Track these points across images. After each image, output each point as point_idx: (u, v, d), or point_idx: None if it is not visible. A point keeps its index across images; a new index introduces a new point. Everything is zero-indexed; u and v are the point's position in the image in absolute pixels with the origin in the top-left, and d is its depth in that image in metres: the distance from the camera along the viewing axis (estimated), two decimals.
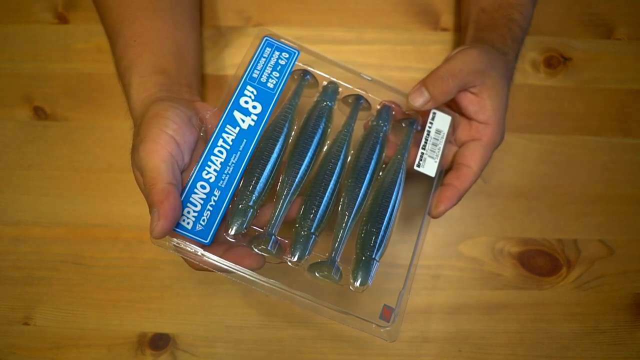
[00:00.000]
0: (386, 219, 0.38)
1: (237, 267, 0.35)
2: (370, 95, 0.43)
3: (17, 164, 0.50)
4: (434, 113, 0.42)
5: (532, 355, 0.48)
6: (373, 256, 0.37)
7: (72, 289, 0.48)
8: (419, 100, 0.40)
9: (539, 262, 0.49)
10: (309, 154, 0.39)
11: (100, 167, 0.50)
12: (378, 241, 0.38)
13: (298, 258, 0.36)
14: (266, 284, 0.35)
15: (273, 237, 0.36)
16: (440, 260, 0.49)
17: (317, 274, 0.36)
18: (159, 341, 0.47)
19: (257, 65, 0.40)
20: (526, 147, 0.51)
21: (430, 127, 0.42)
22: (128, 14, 0.43)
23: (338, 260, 0.37)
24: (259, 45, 0.41)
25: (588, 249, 0.50)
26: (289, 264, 0.36)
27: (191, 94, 0.42)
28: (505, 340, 0.48)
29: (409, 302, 0.48)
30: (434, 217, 0.41)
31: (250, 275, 0.35)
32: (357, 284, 0.37)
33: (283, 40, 0.42)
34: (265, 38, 0.41)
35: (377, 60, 0.53)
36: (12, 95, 0.51)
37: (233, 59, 0.52)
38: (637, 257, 0.50)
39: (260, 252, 0.36)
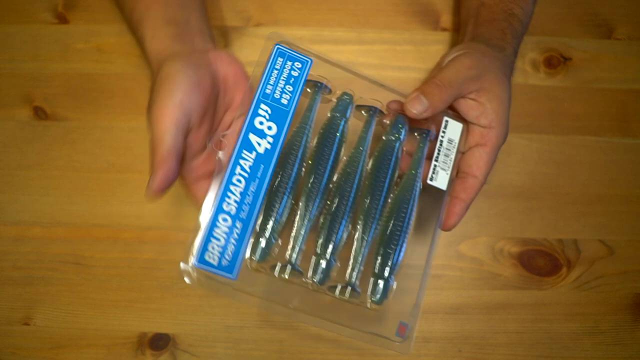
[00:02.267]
0: (401, 238, 0.39)
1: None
2: (382, 102, 0.42)
3: (17, 164, 0.50)
4: (447, 121, 0.42)
5: (532, 355, 0.48)
6: (389, 276, 0.39)
7: (72, 289, 0.48)
8: (417, 108, 0.39)
9: (539, 262, 0.49)
10: (325, 177, 0.39)
11: (100, 167, 0.50)
12: (394, 261, 0.39)
13: (319, 282, 0.38)
14: (288, 308, 0.37)
15: (294, 266, 0.37)
16: (440, 260, 0.49)
17: (338, 295, 0.38)
18: (159, 341, 0.47)
19: (269, 79, 0.38)
20: (526, 147, 0.51)
21: (442, 137, 0.41)
22: None
23: (357, 282, 0.39)
24: (271, 56, 0.39)
25: (588, 249, 0.50)
26: (310, 287, 0.38)
27: (204, 41, 0.42)
28: (505, 340, 0.48)
29: (408, 302, 0.48)
30: (446, 231, 0.41)
31: (270, 301, 0.37)
32: (376, 303, 0.39)
33: (295, 48, 0.40)
34: (277, 47, 0.39)
35: (377, 60, 0.53)
36: (12, 95, 0.51)
37: None
38: (637, 257, 0.50)
39: (282, 278, 0.37)
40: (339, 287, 0.38)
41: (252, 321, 0.48)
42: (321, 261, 0.38)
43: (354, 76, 0.42)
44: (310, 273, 0.38)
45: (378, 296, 0.38)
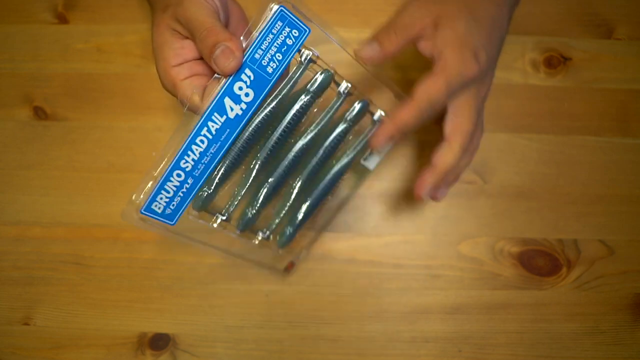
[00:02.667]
0: (317, 206, 0.44)
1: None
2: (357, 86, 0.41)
3: (17, 164, 0.50)
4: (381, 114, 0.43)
5: (532, 355, 0.48)
6: (296, 228, 0.44)
7: (72, 289, 0.48)
8: (368, 53, 0.38)
9: (539, 262, 0.49)
10: (271, 143, 0.40)
11: (100, 167, 0.50)
12: (304, 218, 0.44)
13: (240, 230, 0.41)
14: (211, 246, 0.42)
15: (225, 217, 0.41)
16: (440, 260, 0.49)
17: (251, 240, 0.43)
18: (159, 341, 0.47)
19: (262, 43, 0.36)
20: (526, 147, 0.51)
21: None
22: None
23: (269, 232, 0.43)
24: (270, 18, 0.36)
25: (588, 249, 0.50)
26: (233, 235, 0.42)
27: None
28: (505, 340, 0.48)
29: (409, 302, 0.48)
30: (373, 148, 0.39)
31: (198, 241, 0.41)
32: (279, 246, 0.44)
33: (297, 15, 0.36)
34: (280, 9, 0.35)
35: None
36: (12, 95, 0.51)
37: None
38: (637, 257, 0.50)
39: (207, 224, 0.40)
40: (259, 233, 0.43)
41: (252, 321, 0.48)
42: (247, 213, 0.41)
43: (354, 61, 0.40)
44: (236, 223, 0.41)
45: (283, 240, 0.43)
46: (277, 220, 0.43)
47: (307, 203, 0.44)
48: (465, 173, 0.50)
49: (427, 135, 0.50)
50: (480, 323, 0.48)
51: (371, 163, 0.45)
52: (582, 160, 0.51)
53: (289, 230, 0.44)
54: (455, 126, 0.38)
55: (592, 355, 0.48)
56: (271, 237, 0.44)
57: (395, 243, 0.49)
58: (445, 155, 0.39)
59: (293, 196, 0.43)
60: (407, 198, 0.50)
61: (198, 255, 0.49)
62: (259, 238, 0.43)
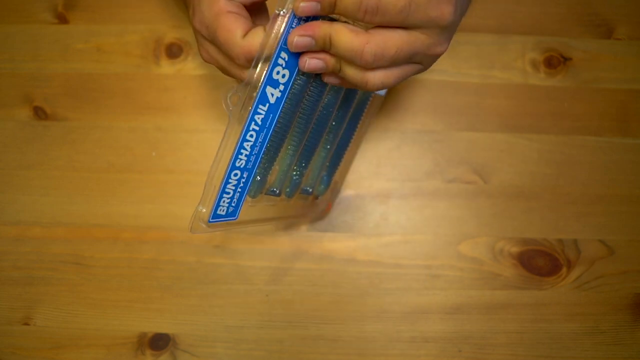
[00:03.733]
0: (347, 148, 0.46)
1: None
2: None
3: (17, 164, 0.50)
4: None
5: (532, 355, 0.48)
6: (331, 174, 0.46)
7: (72, 289, 0.48)
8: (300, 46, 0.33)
9: (539, 262, 0.49)
10: (309, 112, 0.39)
11: (100, 167, 0.50)
12: (337, 163, 0.46)
13: (290, 197, 0.43)
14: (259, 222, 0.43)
15: (278, 191, 0.42)
16: (440, 260, 0.49)
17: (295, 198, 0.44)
18: (159, 341, 0.47)
19: (292, 22, 0.33)
20: (526, 147, 0.51)
21: None
22: None
23: (309, 187, 0.44)
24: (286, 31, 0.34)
25: (588, 249, 0.50)
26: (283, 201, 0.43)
27: None
28: (505, 340, 0.48)
29: (409, 302, 0.48)
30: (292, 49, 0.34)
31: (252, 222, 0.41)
32: (319, 194, 0.46)
33: None
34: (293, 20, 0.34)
35: None
36: (12, 95, 0.51)
37: None
38: (637, 257, 0.50)
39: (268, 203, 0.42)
40: (303, 190, 0.44)
41: (252, 321, 0.48)
42: (294, 176, 0.42)
43: None
44: (286, 190, 0.42)
45: (322, 187, 0.46)
46: (313, 173, 0.44)
47: (338, 148, 0.45)
48: (466, 173, 0.51)
49: (428, 136, 0.50)
50: (480, 323, 0.48)
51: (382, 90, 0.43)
52: (582, 160, 0.51)
53: (325, 177, 0.46)
54: None
55: (592, 356, 0.48)
56: (311, 191, 0.45)
57: (395, 243, 0.49)
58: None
59: (327, 148, 0.44)
60: (407, 198, 0.50)
61: (198, 255, 0.49)
62: (306, 198, 0.45)
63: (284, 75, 0.35)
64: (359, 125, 0.46)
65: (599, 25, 0.53)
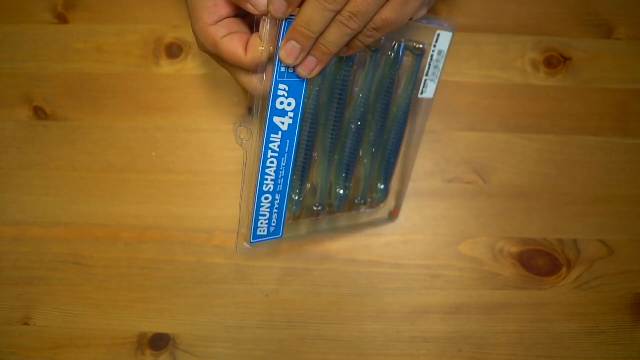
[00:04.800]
0: (397, 152, 0.46)
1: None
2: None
3: (17, 164, 0.50)
4: (438, 34, 0.42)
5: (532, 355, 0.48)
6: (388, 181, 0.47)
7: (72, 289, 0.48)
8: (291, 56, 0.36)
9: (539, 262, 0.49)
10: (333, 123, 0.42)
11: (100, 167, 0.50)
12: (392, 170, 0.46)
13: (338, 209, 0.45)
14: (317, 234, 0.47)
15: (321, 207, 0.45)
16: (440, 260, 0.49)
17: (352, 211, 0.47)
18: (159, 341, 0.47)
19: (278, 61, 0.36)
20: (526, 147, 0.51)
21: (433, 51, 0.42)
22: None
23: (364, 197, 0.46)
24: (281, 31, 0.36)
25: (588, 249, 0.50)
26: (332, 214, 0.46)
27: None
28: (505, 340, 0.48)
29: (409, 302, 0.49)
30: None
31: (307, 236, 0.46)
32: (378, 202, 0.47)
33: None
34: (288, 22, 0.36)
35: None
36: (12, 95, 0.51)
37: None
38: (637, 257, 0.50)
39: (314, 218, 0.45)
40: (356, 202, 0.46)
41: (252, 321, 0.48)
42: (338, 191, 0.44)
43: None
44: (334, 203, 0.45)
45: (380, 196, 0.47)
46: (364, 184, 0.46)
47: (388, 156, 0.45)
48: (466, 173, 0.51)
49: (428, 136, 0.50)
50: (480, 323, 0.48)
51: (428, 93, 0.44)
52: (582, 160, 0.51)
53: (381, 186, 0.46)
54: None
55: (592, 356, 0.48)
56: (368, 200, 0.47)
57: (395, 243, 0.49)
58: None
59: (371, 158, 0.45)
60: (407, 198, 0.50)
61: (198, 255, 0.49)
62: (361, 210, 0.47)
63: (289, 104, 0.38)
64: (406, 132, 0.45)
65: (599, 25, 0.53)
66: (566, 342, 0.48)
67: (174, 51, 0.52)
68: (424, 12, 0.38)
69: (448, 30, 0.42)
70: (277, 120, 0.38)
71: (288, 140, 0.39)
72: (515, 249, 0.50)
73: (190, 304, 0.48)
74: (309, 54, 0.36)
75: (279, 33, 0.35)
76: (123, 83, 0.51)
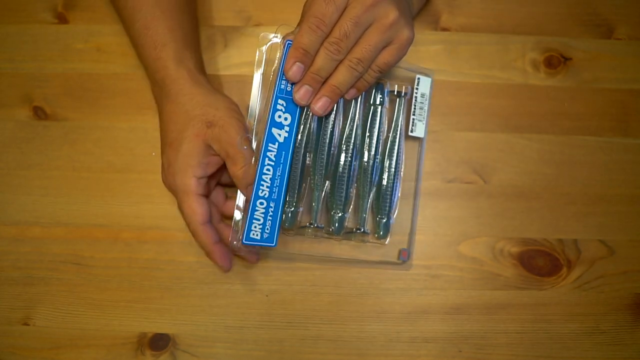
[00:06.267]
0: (395, 185, 0.48)
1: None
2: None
3: (17, 164, 0.50)
4: (418, 78, 0.48)
5: (532, 355, 0.48)
6: (388, 216, 0.48)
7: (72, 289, 0.48)
8: (305, 98, 0.42)
9: (539, 262, 0.49)
10: (326, 150, 0.46)
11: (100, 167, 0.50)
12: (391, 204, 0.48)
13: (336, 232, 0.47)
14: (319, 257, 0.48)
15: (316, 224, 0.47)
16: (440, 260, 0.49)
17: (353, 240, 0.48)
18: (159, 341, 0.47)
19: (283, 75, 0.42)
20: (526, 147, 0.51)
21: (416, 93, 0.49)
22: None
23: (365, 226, 0.48)
24: (284, 52, 0.42)
25: (588, 249, 0.50)
26: (330, 238, 0.48)
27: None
28: (505, 341, 0.48)
29: (409, 302, 0.48)
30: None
31: (305, 256, 0.48)
32: (380, 238, 0.48)
33: None
34: (288, 43, 0.41)
35: None
36: (12, 95, 0.51)
37: (232, 59, 0.52)
38: (637, 257, 0.50)
39: (310, 236, 0.47)
40: (354, 230, 0.47)
41: (252, 321, 0.48)
42: (335, 216, 0.47)
43: None
44: (330, 227, 0.47)
45: (382, 232, 0.48)
46: (364, 215, 0.48)
47: (385, 191, 0.47)
48: (466, 173, 0.51)
49: (428, 136, 0.50)
50: (480, 323, 0.48)
51: (419, 131, 0.48)
52: (582, 160, 0.51)
53: (383, 220, 0.48)
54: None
55: (593, 356, 0.48)
56: (367, 229, 0.48)
57: (395, 243, 0.49)
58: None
59: (367, 187, 0.47)
60: (408, 198, 0.50)
61: (198, 255, 0.49)
62: (364, 239, 0.48)
63: (286, 119, 0.43)
64: (401, 170, 0.48)
65: (599, 25, 0.53)
66: (566, 342, 0.48)
67: None
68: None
69: (427, 76, 0.49)
70: (274, 131, 0.43)
71: (283, 152, 0.43)
72: (515, 249, 0.50)
73: (190, 304, 0.48)
74: (323, 95, 0.42)
75: (283, 53, 0.42)
76: (123, 83, 0.51)
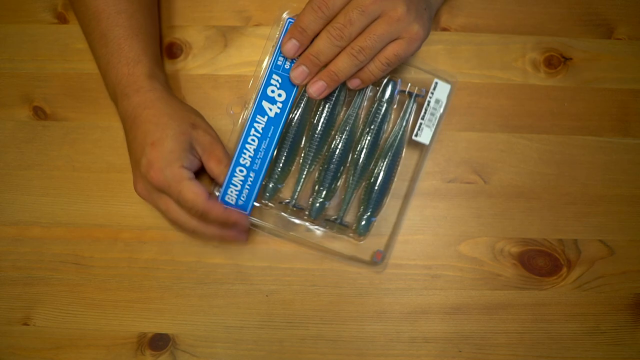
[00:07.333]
0: (386, 185, 0.47)
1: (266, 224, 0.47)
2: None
3: (17, 164, 0.50)
4: (436, 82, 0.46)
5: (532, 356, 0.48)
6: (372, 214, 0.47)
7: (72, 289, 0.48)
8: (299, 79, 0.43)
9: (539, 262, 0.49)
10: (319, 135, 0.46)
11: (99, 167, 0.50)
12: (378, 203, 0.47)
13: (313, 217, 0.47)
14: (290, 235, 0.48)
15: (295, 204, 0.47)
16: (440, 260, 0.49)
17: (329, 229, 0.47)
18: (159, 341, 0.47)
19: (280, 52, 0.43)
20: (526, 147, 0.51)
21: (430, 97, 0.47)
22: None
23: (344, 218, 0.47)
24: (283, 30, 0.43)
25: (588, 249, 0.50)
26: (308, 224, 0.47)
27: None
28: (505, 341, 0.48)
29: (409, 302, 0.48)
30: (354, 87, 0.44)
31: (277, 230, 0.47)
32: (358, 234, 0.47)
33: None
34: (288, 20, 0.42)
35: None
36: (12, 95, 0.51)
37: (232, 59, 0.52)
38: (637, 257, 0.50)
39: (286, 215, 0.47)
40: (331, 218, 0.47)
41: (252, 321, 0.48)
42: (315, 201, 0.47)
43: None
44: (307, 211, 0.47)
45: (361, 229, 0.47)
46: (345, 207, 0.47)
47: (374, 188, 0.47)
48: (466, 173, 0.51)
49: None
50: (480, 323, 0.48)
51: (424, 137, 0.46)
52: (582, 160, 0.51)
53: (364, 217, 0.47)
54: None
55: (593, 356, 0.48)
56: (345, 222, 0.47)
57: (395, 243, 0.49)
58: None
59: (355, 181, 0.47)
60: (407, 198, 0.50)
61: (198, 255, 0.49)
62: (342, 231, 0.47)
63: (280, 95, 0.44)
64: (395, 172, 0.47)
65: (599, 25, 0.53)
66: (566, 342, 0.48)
67: (174, 51, 0.52)
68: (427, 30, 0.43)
69: (446, 82, 0.47)
70: (265, 104, 0.43)
71: (272, 127, 0.44)
72: (515, 249, 0.50)
73: (190, 304, 0.48)
74: (319, 78, 0.42)
75: (283, 30, 0.42)
76: None
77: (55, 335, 0.47)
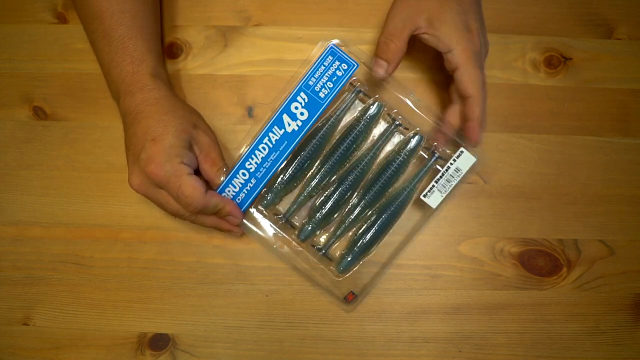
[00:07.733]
0: (380, 233, 0.46)
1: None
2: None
3: (17, 164, 0.50)
4: (462, 151, 0.45)
5: (532, 356, 0.48)
6: (356, 257, 0.46)
7: (72, 289, 0.48)
8: (380, 71, 0.44)
9: (539, 263, 0.49)
10: (333, 166, 0.46)
11: (99, 167, 0.50)
12: (365, 249, 0.46)
13: (301, 239, 0.47)
14: (274, 248, 0.47)
15: (288, 220, 0.47)
16: (440, 260, 0.49)
17: (312, 255, 0.47)
18: (159, 341, 0.47)
19: (315, 72, 0.44)
20: (526, 147, 0.51)
21: (451, 164, 0.45)
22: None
23: (328, 250, 0.47)
24: (323, 52, 0.44)
25: (588, 249, 0.50)
26: (293, 241, 0.47)
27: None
28: (505, 341, 0.48)
29: (409, 302, 0.48)
30: (474, 146, 0.45)
31: (265, 239, 0.47)
32: (338, 272, 0.47)
33: (346, 51, 0.45)
34: (331, 46, 0.43)
35: None
36: (12, 95, 0.51)
37: (233, 59, 0.52)
38: (637, 257, 0.50)
39: (275, 228, 0.47)
40: (316, 247, 0.47)
41: (252, 321, 0.48)
42: (307, 225, 0.46)
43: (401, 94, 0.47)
44: (297, 232, 0.47)
45: (341, 267, 0.46)
46: (333, 240, 0.47)
47: (368, 233, 0.46)
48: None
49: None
50: (480, 323, 0.48)
51: (433, 200, 0.45)
52: (582, 160, 0.51)
53: (348, 258, 0.46)
54: (470, 79, 0.43)
55: (593, 356, 0.48)
56: (329, 255, 0.47)
57: (395, 243, 0.49)
58: (477, 107, 0.43)
59: (351, 220, 0.46)
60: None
61: (198, 255, 0.49)
62: (321, 262, 0.47)
63: (302, 113, 0.44)
64: (392, 226, 0.47)
65: (599, 25, 0.53)
66: (566, 342, 0.48)
67: (174, 51, 0.52)
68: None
69: (473, 155, 0.45)
70: (285, 118, 0.44)
71: (286, 142, 0.44)
72: (515, 249, 0.50)
73: (190, 304, 0.48)
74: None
75: (323, 54, 0.45)
76: None
77: (55, 335, 0.47)
